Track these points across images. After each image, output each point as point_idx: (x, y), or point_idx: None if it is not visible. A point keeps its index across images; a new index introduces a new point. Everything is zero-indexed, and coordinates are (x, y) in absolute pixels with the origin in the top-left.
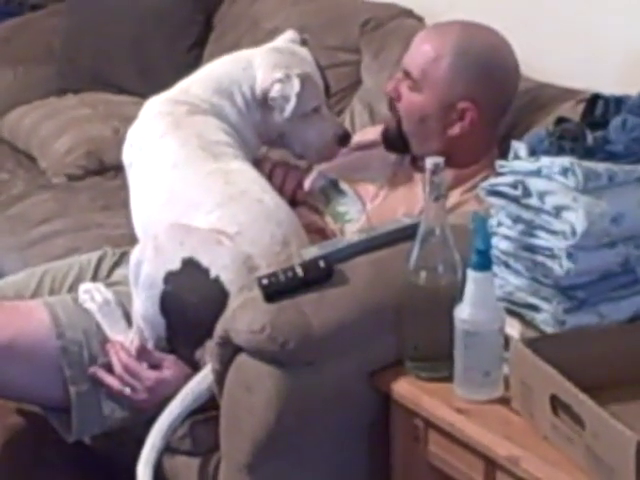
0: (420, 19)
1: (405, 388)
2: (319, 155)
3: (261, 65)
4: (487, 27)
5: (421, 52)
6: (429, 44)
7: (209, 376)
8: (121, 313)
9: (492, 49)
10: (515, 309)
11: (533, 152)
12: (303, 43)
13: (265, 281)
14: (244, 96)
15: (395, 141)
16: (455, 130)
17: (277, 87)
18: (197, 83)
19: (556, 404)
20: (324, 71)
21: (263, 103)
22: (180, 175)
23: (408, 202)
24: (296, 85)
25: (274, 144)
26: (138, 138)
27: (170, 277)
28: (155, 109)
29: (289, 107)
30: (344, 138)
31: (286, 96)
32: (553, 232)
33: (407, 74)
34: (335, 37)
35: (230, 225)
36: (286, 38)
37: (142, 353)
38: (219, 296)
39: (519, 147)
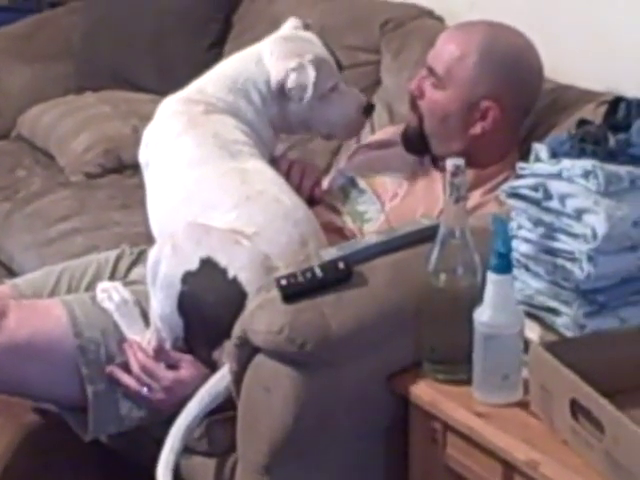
0: (440, 19)
1: (423, 391)
2: (346, 131)
3: (272, 57)
4: (513, 28)
5: (446, 50)
6: (455, 42)
7: (227, 376)
8: (139, 312)
9: (517, 49)
10: (535, 312)
11: (554, 154)
12: (306, 28)
13: (284, 282)
14: (260, 92)
15: (415, 141)
16: (477, 129)
17: (292, 76)
18: (211, 82)
19: (576, 408)
20: (333, 50)
21: (280, 95)
22: (197, 175)
23: (427, 201)
24: (311, 72)
25: (296, 132)
26: (154, 138)
27: (188, 277)
28: (171, 109)
29: (307, 94)
30: (368, 108)
31: (302, 84)
32: (574, 235)
33: (431, 71)
34: (355, 37)
35: (248, 225)
36: (290, 26)
37: (159, 353)
38: (237, 296)
39: (540, 149)
